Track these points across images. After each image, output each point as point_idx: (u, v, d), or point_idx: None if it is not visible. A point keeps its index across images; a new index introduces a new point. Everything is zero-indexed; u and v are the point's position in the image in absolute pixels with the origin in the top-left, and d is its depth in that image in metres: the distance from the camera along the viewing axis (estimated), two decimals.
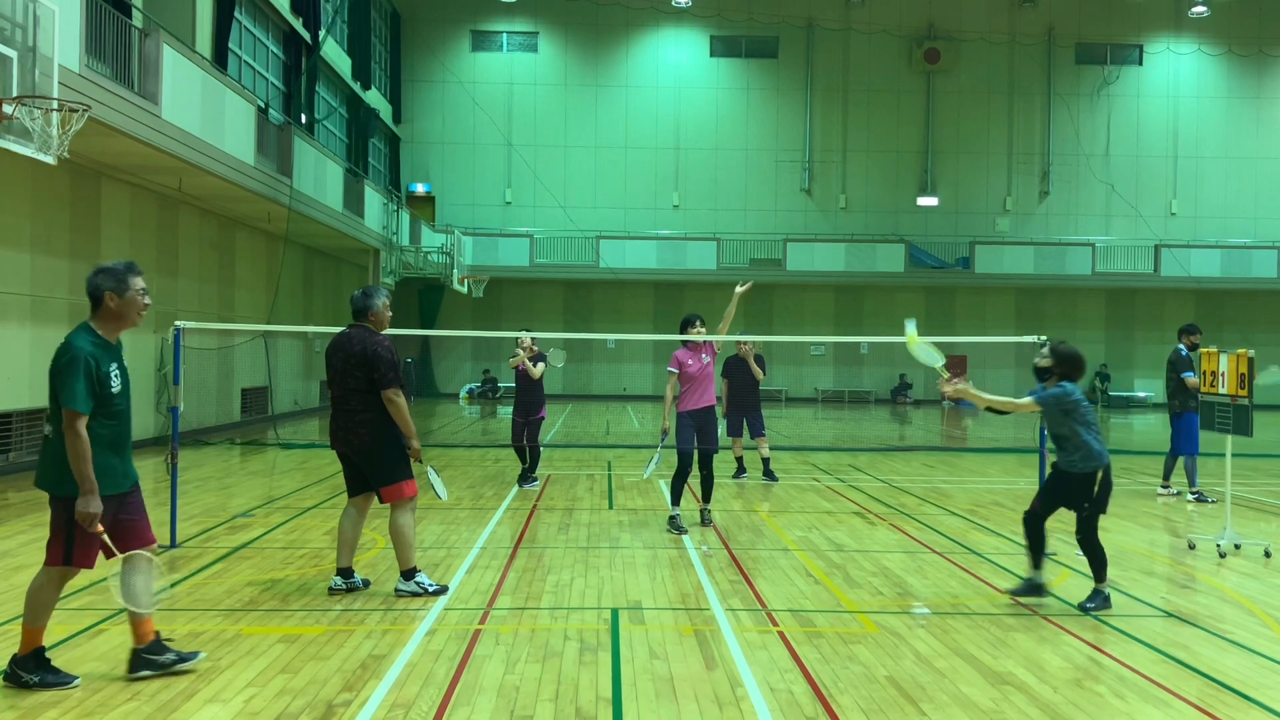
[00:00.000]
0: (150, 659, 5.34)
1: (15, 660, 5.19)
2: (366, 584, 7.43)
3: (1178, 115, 38.58)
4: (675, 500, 10.09)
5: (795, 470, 15.11)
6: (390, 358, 7.14)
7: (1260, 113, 38.53)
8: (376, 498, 7.31)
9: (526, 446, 13.00)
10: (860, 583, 7.88)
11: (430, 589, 7.22)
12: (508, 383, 36.98)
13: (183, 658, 5.44)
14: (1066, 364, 7.28)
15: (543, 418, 13.14)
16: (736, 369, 13.70)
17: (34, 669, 5.16)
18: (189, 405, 11.03)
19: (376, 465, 7.16)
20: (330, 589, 7.28)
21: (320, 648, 5.96)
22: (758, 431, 13.68)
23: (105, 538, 5.13)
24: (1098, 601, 7.05)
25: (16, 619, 6.46)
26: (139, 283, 5.30)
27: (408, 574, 7.24)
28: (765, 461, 13.91)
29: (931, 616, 6.92)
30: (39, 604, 5.22)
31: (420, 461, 7.29)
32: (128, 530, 5.32)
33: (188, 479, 13.17)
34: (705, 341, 10.06)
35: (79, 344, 5.13)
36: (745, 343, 13.73)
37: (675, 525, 9.98)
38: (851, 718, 4.98)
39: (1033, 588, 7.29)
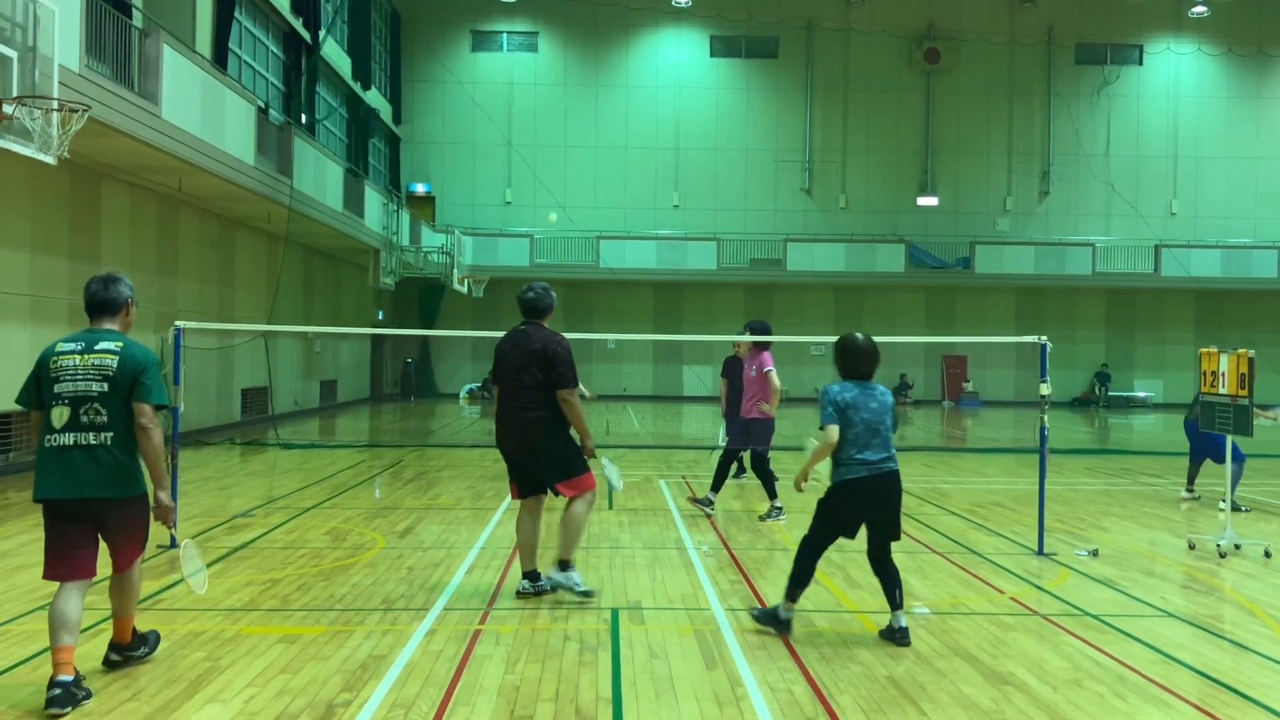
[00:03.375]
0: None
1: (125, 646, 5.50)
2: (554, 588, 7.24)
3: (1178, 115, 38.58)
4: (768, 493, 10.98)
5: (795, 470, 15.11)
6: (568, 357, 7.05)
7: (1260, 113, 38.53)
8: (550, 494, 7.23)
9: None
10: (860, 583, 7.87)
11: (578, 588, 7.15)
12: None
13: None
14: (835, 358, 6.49)
15: None
16: (734, 370, 13.61)
17: (140, 644, 5.58)
18: (189, 405, 11.03)
19: (552, 463, 7.08)
20: (518, 592, 7.18)
21: (320, 648, 5.96)
22: None
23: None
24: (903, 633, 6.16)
25: (17, 619, 6.48)
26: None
27: (564, 564, 7.18)
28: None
29: (931, 616, 6.92)
30: (139, 593, 5.56)
31: (594, 456, 7.21)
32: None
33: (188, 479, 13.16)
34: (756, 350, 10.94)
35: (144, 346, 5.39)
36: (741, 344, 13.65)
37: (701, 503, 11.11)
38: (852, 717, 4.98)
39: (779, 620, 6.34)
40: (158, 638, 5.76)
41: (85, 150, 14.01)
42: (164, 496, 5.24)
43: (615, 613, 6.86)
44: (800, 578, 6.27)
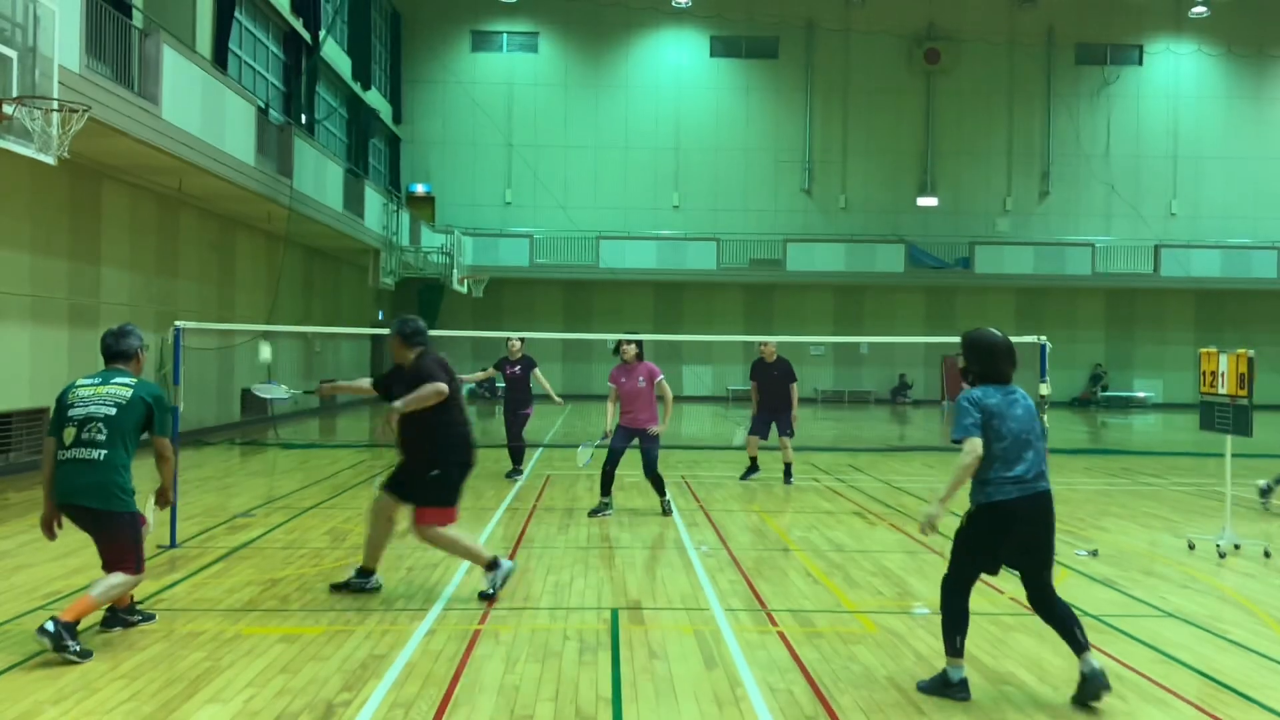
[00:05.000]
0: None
1: (63, 624, 5.56)
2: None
3: (1177, 115, 38.56)
4: (604, 490, 10.92)
5: (795, 471, 15.10)
6: None
7: (1260, 113, 38.51)
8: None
9: (517, 444, 13.68)
10: (860, 583, 7.88)
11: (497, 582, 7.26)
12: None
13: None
14: (969, 356, 5.48)
15: (528, 414, 13.86)
16: (762, 373, 13.56)
17: (75, 638, 5.61)
18: (189, 405, 11.06)
19: None
20: (364, 587, 7.27)
21: (320, 648, 5.96)
22: (784, 431, 13.47)
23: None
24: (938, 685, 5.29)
25: (17, 619, 6.48)
26: None
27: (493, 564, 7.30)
28: (787, 466, 13.69)
29: (931, 616, 6.91)
30: (112, 596, 5.94)
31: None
32: None
33: (187, 479, 13.15)
34: (640, 362, 10.81)
35: (154, 385, 6.26)
36: (766, 344, 13.66)
37: (598, 510, 10.85)
38: (851, 718, 4.98)
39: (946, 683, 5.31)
40: (89, 655, 5.66)
41: (85, 150, 14.01)
42: (170, 496, 6.43)
43: (615, 613, 6.86)
44: (955, 623, 5.26)
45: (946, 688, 5.24)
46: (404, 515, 7.18)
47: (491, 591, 7.09)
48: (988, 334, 5.43)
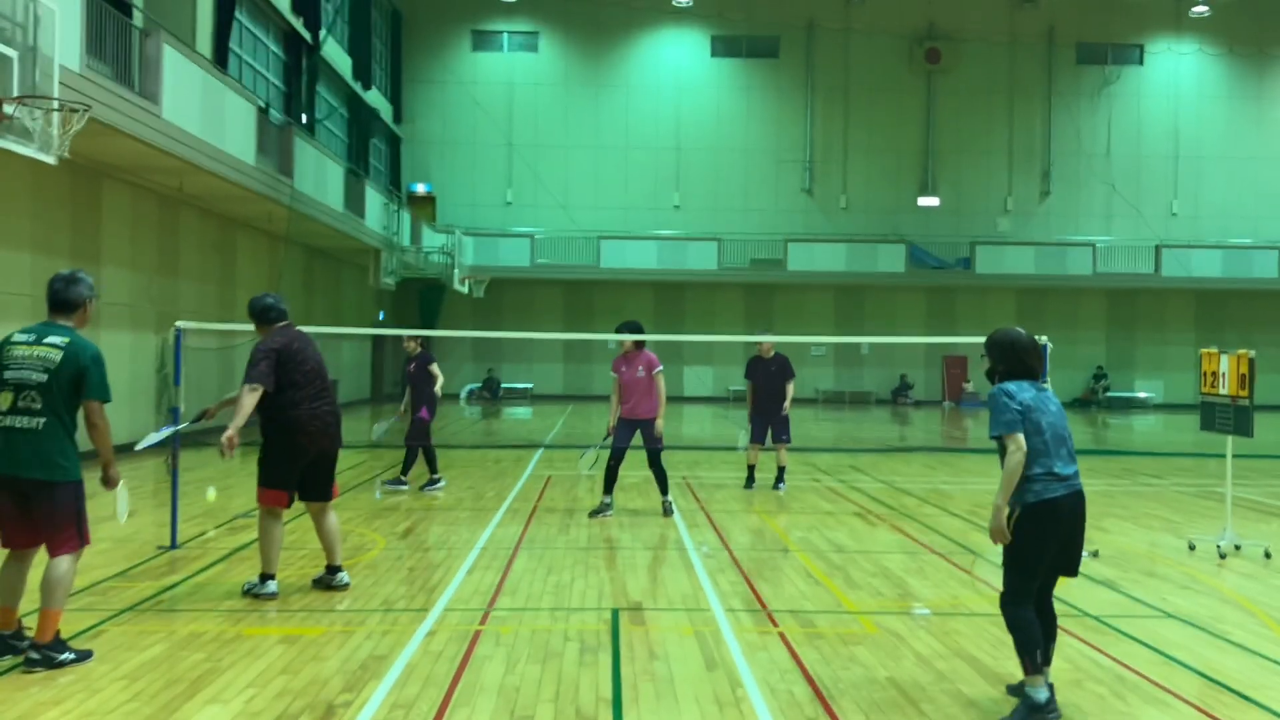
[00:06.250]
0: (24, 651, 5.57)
1: (45, 646, 5.47)
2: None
3: (1178, 115, 38.54)
4: (606, 489, 10.92)
5: (796, 471, 15.10)
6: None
7: (1261, 113, 38.49)
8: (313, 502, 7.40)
9: (410, 446, 12.87)
10: (861, 584, 7.88)
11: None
12: (511, 383, 37.08)
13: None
14: (993, 355, 5.35)
15: (424, 419, 12.73)
16: (758, 370, 13.07)
17: (64, 649, 5.54)
18: (190, 406, 11.04)
19: (333, 463, 7.53)
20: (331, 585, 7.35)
21: (321, 648, 5.97)
22: (780, 437, 12.95)
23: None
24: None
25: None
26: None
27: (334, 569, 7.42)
28: (780, 470, 13.20)
29: (932, 617, 6.92)
30: (67, 589, 5.63)
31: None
32: None
33: (188, 479, 13.14)
34: (639, 352, 10.76)
35: (91, 344, 5.70)
36: (764, 341, 13.28)
37: (599, 510, 10.84)
38: (852, 719, 4.98)
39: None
40: (89, 656, 5.64)
41: (86, 150, 14.00)
42: (113, 471, 5.78)
43: (615, 613, 6.86)
44: (1029, 637, 4.93)
45: (1036, 712, 4.86)
46: (326, 504, 7.43)
47: (247, 589, 7.15)
48: (1011, 330, 5.31)
